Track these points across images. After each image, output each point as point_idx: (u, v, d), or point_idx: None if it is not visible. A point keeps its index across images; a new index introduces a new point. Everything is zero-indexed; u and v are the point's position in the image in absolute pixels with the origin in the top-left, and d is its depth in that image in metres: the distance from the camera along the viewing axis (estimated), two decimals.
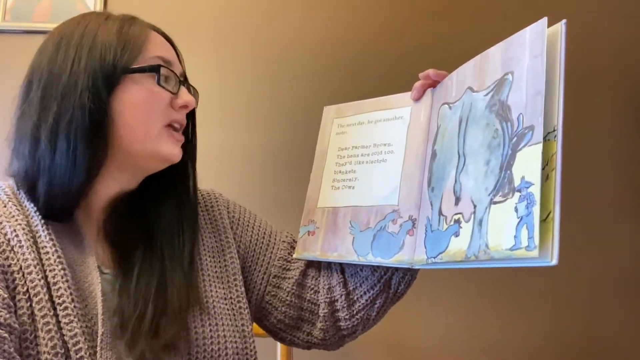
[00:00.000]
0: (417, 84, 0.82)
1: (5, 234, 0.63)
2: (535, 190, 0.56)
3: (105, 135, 0.67)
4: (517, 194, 0.59)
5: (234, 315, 0.76)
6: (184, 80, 0.75)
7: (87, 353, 0.60)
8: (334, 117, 0.92)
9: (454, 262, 0.66)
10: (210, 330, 0.72)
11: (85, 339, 0.61)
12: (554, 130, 0.58)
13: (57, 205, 0.67)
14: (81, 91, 0.65)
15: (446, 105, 0.77)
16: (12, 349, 0.56)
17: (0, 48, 1.29)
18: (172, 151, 0.72)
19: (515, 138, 0.61)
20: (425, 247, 0.72)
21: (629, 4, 1.60)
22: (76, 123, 0.65)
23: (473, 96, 0.71)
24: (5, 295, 0.59)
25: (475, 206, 0.65)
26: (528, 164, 0.58)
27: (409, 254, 0.75)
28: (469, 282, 1.51)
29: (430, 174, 0.76)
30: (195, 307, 0.72)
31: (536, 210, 0.56)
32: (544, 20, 0.62)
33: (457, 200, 0.68)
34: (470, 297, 1.50)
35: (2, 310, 0.58)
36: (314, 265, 0.87)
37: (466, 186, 0.67)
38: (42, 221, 0.66)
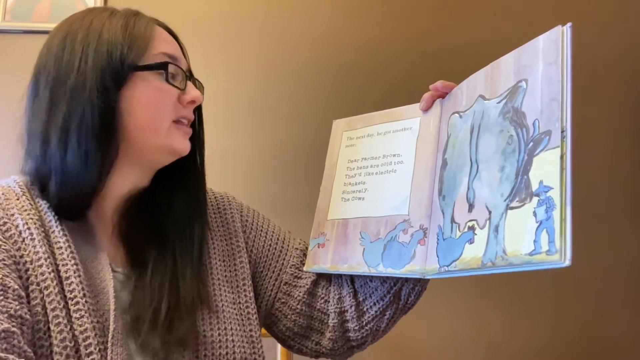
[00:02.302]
0: (426, 95, 0.82)
1: (17, 226, 0.63)
2: (555, 194, 0.56)
3: (116, 133, 0.67)
4: (535, 199, 0.58)
5: (243, 320, 0.76)
6: (189, 75, 0.75)
7: (97, 349, 0.60)
8: (344, 130, 0.92)
9: (469, 270, 0.65)
10: (219, 335, 0.72)
11: (95, 334, 0.61)
12: (563, 131, 0.58)
13: (70, 205, 0.67)
14: (90, 90, 0.65)
15: (456, 115, 0.77)
16: (22, 343, 0.56)
17: (0, 48, 1.29)
18: (182, 145, 0.72)
19: (531, 143, 0.61)
20: (438, 256, 0.71)
21: (629, 5, 1.61)
22: (86, 122, 0.65)
23: (485, 104, 0.71)
24: (17, 287, 0.59)
25: (490, 212, 0.64)
26: (546, 168, 0.58)
27: (420, 263, 0.74)
28: (472, 283, 1.51)
29: (441, 183, 0.75)
30: (204, 308, 0.72)
31: (556, 214, 0.55)
32: (558, 29, 0.63)
33: (471, 207, 0.68)
34: (472, 298, 1.50)
35: (13, 301, 0.58)
36: (324, 274, 0.86)
37: (480, 193, 0.67)
38: (55, 217, 0.66)
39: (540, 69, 0.64)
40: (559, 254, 0.54)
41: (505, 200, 0.63)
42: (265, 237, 0.86)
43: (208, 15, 1.63)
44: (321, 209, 0.89)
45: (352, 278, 0.84)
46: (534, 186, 0.59)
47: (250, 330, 0.76)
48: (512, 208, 0.61)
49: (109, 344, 0.61)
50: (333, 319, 0.81)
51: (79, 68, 0.66)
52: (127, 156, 0.69)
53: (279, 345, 1.15)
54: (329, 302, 0.83)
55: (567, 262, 0.53)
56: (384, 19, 1.65)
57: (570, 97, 0.59)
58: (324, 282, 0.85)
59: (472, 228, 0.67)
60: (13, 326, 0.56)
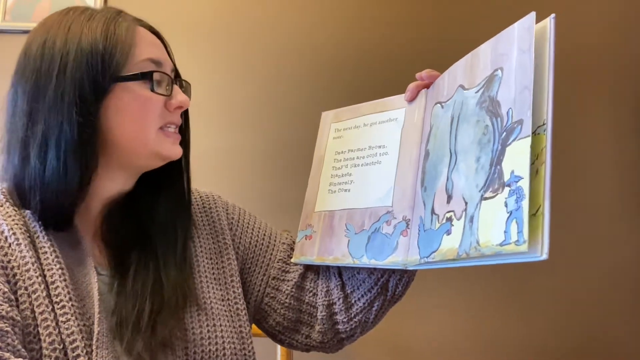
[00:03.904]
0: (411, 85, 0.82)
1: (2, 232, 0.63)
2: (524, 183, 0.56)
3: (95, 147, 0.66)
4: (506, 189, 0.58)
5: (232, 316, 0.76)
6: (175, 78, 0.73)
7: (84, 351, 0.60)
8: (332, 122, 0.92)
9: (447, 261, 0.65)
10: (209, 331, 0.72)
11: (82, 337, 0.61)
12: (544, 124, 0.58)
13: (52, 216, 0.66)
14: (68, 104, 0.64)
15: (439, 105, 0.76)
16: (16, 342, 0.57)
17: (0, 48, 1.31)
18: (173, 151, 0.72)
19: (504, 133, 0.61)
20: (419, 247, 0.71)
21: (626, 2, 1.59)
22: (65, 138, 0.64)
23: (464, 94, 0.70)
24: (6, 290, 0.60)
25: (466, 203, 0.64)
26: (517, 157, 0.58)
27: (402, 254, 0.74)
28: (471, 282, 1.50)
29: (423, 174, 0.75)
30: (193, 307, 0.72)
31: (525, 204, 0.55)
32: (532, 15, 0.62)
33: (449, 198, 0.68)
34: (471, 297, 1.49)
35: (4, 303, 0.58)
36: (312, 268, 0.86)
37: (457, 184, 0.67)
38: (39, 223, 0.66)
39: (514, 56, 0.63)
40: (526, 244, 0.53)
41: (480, 191, 0.62)
42: (252, 233, 0.86)
43: (204, 16, 1.63)
44: (309, 201, 0.90)
45: (339, 270, 0.84)
46: (506, 176, 0.59)
47: (240, 326, 0.76)
48: (485, 199, 0.61)
49: (94, 347, 0.61)
50: (322, 312, 0.82)
51: (57, 79, 0.64)
52: (112, 163, 0.69)
53: (278, 346, 1.16)
54: (317, 295, 0.83)
55: (544, 256, 0.53)
56: (383, 19, 1.64)
57: (552, 89, 0.58)
58: (312, 275, 0.85)
59: (449, 219, 0.66)
60: (6, 326, 0.57)
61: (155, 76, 0.69)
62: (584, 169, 1.53)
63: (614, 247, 1.49)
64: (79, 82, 0.64)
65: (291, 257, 0.87)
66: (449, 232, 0.66)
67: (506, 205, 0.57)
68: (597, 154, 1.54)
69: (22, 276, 0.62)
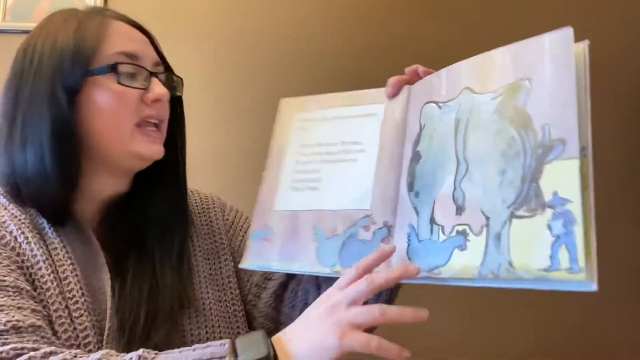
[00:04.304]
0: (393, 80, 0.75)
1: (11, 232, 0.64)
2: (575, 208, 0.53)
3: (72, 144, 0.66)
4: (549, 210, 0.55)
5: (229, 317, 0.76)
6: (156, 72, 0.71)
7: (96, 347, 0.61)
8: (295, 111, 0.82)
9: (460, 279, 0.60)
10: (207, 332, 0.72)
11: (94, 332, 0.62)
12: (584, 149, 0.56)
13: (46, 212, 0.67)
14: (43, 102, 0.65)
15: (433, 105, 0.70)
16: (49, 334, 0.58)
17: (0, 48, 1.20)
18: (149, 150, 0.70)
19: (540, 149, 0.58)
20: (409, 259, 0.65)
21: (630, 4, 1.57)
22: (41, 136, 0.65)
23: (475, 98, 0.66)
24: (29, 288, 0.60)
25: (488, 218, 0.60)
26: (562, 178, 0.55)
27: (384, 265, 0.66)
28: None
29: (413, 178, 0.69)
30: (191, 309, 0.72)
31: (578, 230, 0.53)
32: (569, 30, 0.60)
33: (459, 209, 0.63)
34: (471, 297, 1.45)
35: (30, 299, 0.59)
36: (296, 277, 0.78)
37: (472, 195, 0.62)
38: (46, 219, 0.67)
39: (548, 69, 0.60)
40: (584, 273, 0.51)
41: (508, 207, 0.58)
42: (243, 236, 0.83)
43: (202, 15, 1.61)
44: (265, 198, 0.78)
45: (318, 283, 0.76)
46: (547, 196, 0.56)
47: (237, 327, 0.76)
48: (518, 217, 0.57)
49: (104, 342, 0.62)
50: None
51: (33, 78, 0.66)
52: (97, 163, 0.69)
53: None
54: (295, 307, 0.79)
55: (595, 287, 0.51)
56: (377, 18, 1.59)
57: (590, 115, 0.57)
58: (293, 285, 0.80)
59: (462, 233, 0.61)
60: (38, 319, 0.58)
61: (125, 68, 0.68)
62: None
63: (614, 247, 1.46)
64: (52, 80, 0.66)
65: None
66: (462, 247, 0.61)
67: (550, 228, 0.54)
68: (596, 154, 1.62)
69: (35, 275, 0.62)
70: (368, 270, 0.63)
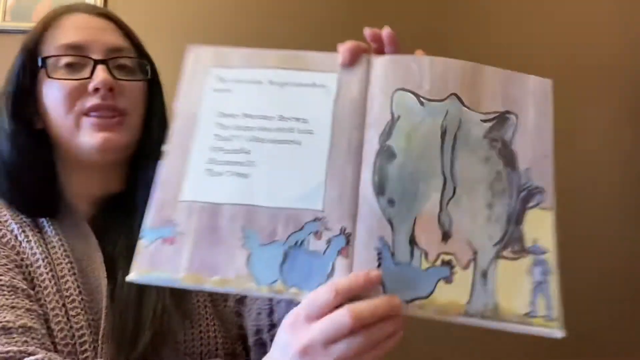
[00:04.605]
0: (350, 45, 0.59)
1: (12, 230, 0.67)
2: (551, 258, 0.58)
3: (27, 138, 0.70)
4: (530, 256, 0.58)
5: (221, 316, 0.75)
6: (108, 58, 0.71)
7: (91, 346, 0.63)
8: (211, 66, 0.60)
9: (446, 315, 0.54)
10: (200, 332, 0.72)
11: (90, 331, 0.64)
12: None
13: (36, 209, 0.70)
14: (7, 98, 0.71)
15: (411, 96, 0.59)
16: (40, 335, 0.59)
17: (0, 48, 1.21)
18: (94, 138, 0.69)
19: (524, 192, 0.59)
20: (382, 283, 0.54)
21: (630, 4, 1.58)
22: (11, 131, 0.70)
23: (465, 112, 0.59)
24: (25, 287, 0.63)
25: (475, 253, 0.57)
26: (540, 228, 0.59)
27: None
28: None
29: (383, 179, 0.56)
30: (180, 311, 0.70)
31: (553, 279, 0.58)
32: (548, 81, 0.63)
33: (446, 235, 0.56)
34: None
35: (26, 298, 0.61)
36: None
37: (460, 222, 0.57)
38: (47, 217, 0.69)
39: (531, 112, 0.62)
40: (557, 321, 0.57)
41: (494, 245, 0.57)
42: None
43: (201, 14, 1.59)
44: (167, 182, 0.55)
45: None
46: (527, 242, 0.58)
47: (230, 329, 0.75)
48: (504, 257, 0.57)
49: (100, 342, 0.63)
50: (251, 338, 0.75)
51: (9, 79, 0.72)
52: (64, 158, 0.72)
53: None
54: (250, 317, 0.76)
55: (562, 333, 0.57)
56: (377, 17, 1.41)
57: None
58: (246, 298, 0.78)
59: (448, 263, 0.56)
60: (31, 320, 0.60)
61: (59, 61, 0.70)
62: (583, 169, 1.47)
63: (614, 247, 1.48)
64: (17, 78, 0.71)
65: None
66: (448, 280, 0.55)
67: (532, 274, 0.57)
68: (595, 155, 1.51)
69: (34, 273, 0.64)
70: (348, 297, 0.49)
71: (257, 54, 0.61)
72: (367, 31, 0.60)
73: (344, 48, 0.58)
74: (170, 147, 0.57)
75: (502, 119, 0.60)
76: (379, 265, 0.53)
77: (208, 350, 0.71)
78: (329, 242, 0.53)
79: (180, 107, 0.59)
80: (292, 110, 0.57)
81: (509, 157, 0.59)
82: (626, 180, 1.52)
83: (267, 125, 0.57)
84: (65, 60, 0.69)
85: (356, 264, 0.53)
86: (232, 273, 0.51)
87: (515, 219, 0.57)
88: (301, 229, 0.53)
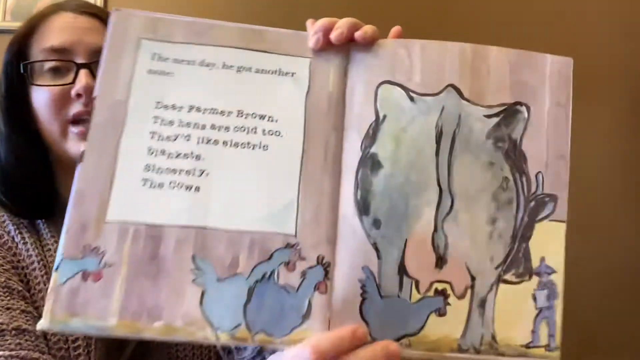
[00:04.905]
0: (322, 25, 0.48)
1: (9, 232, 0.66)
2: (559, 279, 0.50)
3: (35, 141, 0.69)
4: (535, 278, 0.50)
5: None
6: (92, 61, 0.66)
7: (85, 350, 0.62)
8: (142, 36, 0.47)
9: (433, 352, 0.47)
10: (192, 348, 0.70)
11: (84, 336, 0.62)
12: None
13: (32, 211, 0.69)
14: (3, 102, 0.70)
15: (399, 90, 0.48)
16: (34, 338, 0.58)
17: (0, 48, 1.00)
18: (78, 149, 0.56)
19: (533, 202, 0.50)
20: (365, 320, 0.45)
21: (630, 4, 1.53)
22: (6, 134, 0.69)
23: (464, 107, 0.49)
24: (20, 288, 0.62)
25: (474, 279, 0.48)
26: (549, 243, 0.50)
27: (321, 328, 0.44)
28: None
29: (367, 193, 0.46)
30: None
31: (558, 305, 0.50)
32: (569, 61, 0.52)
33: (441, 260, 0.47)
34: None
35: (20, 300, 0.61)
36: None
37: (457, 244, 0.48)
38: (43, 219, 0.68)
39: (547, 103, 0.51)
40: (558, 352, 0.50)
41: (496, 268, 0.49)
42: None
43: (198, 13, 1.33)
44: (88, 194, 0.43)
45: None
46: (535, 262, 0.50)
47: None
48: (506, 282, 0.49)
49: (93, 347, 0.62)
50: None
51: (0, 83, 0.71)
52: (66, 161, 0.69)
53: None
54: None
55: None
56: (377, 18, 1.06)
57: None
58: None
59: (442, 293, 0.47)
60: (26, 322, 0.59)
61: (41, 66, 0.68)
62: (583, 169, 1.34)
63: (614, 247, 1.45)
64: (5, 81, 0.70)
65: None
66: (440, 312, 0.47)
67: (535, 300, 0.50)
68: (596, 154, 1.46)
69: (30, 275, 0.64)
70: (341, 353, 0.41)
71: (207, 26, 0.48)
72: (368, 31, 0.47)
73: (317, 29, 0.46)
74: (90, 147, 0.44)
75: (510, 112, 0.50)
76: (362, 301, 0.45)
77: (200, 353, 0.69)
78: (303, 274, 0.43)
79: (102, 92, 0.45)
80: (254, 105, 0.45)
81: (517, 160, 0.49)
82: (626, 180, 1.52)
83: (222, 123, 0.45)
84: (49, 64, 0.67)
85: (336, 302, 0.44)
86: (180, 318, 0.41)
87: (522, 235, 0.49)
88: (269, 258, 0.42)
